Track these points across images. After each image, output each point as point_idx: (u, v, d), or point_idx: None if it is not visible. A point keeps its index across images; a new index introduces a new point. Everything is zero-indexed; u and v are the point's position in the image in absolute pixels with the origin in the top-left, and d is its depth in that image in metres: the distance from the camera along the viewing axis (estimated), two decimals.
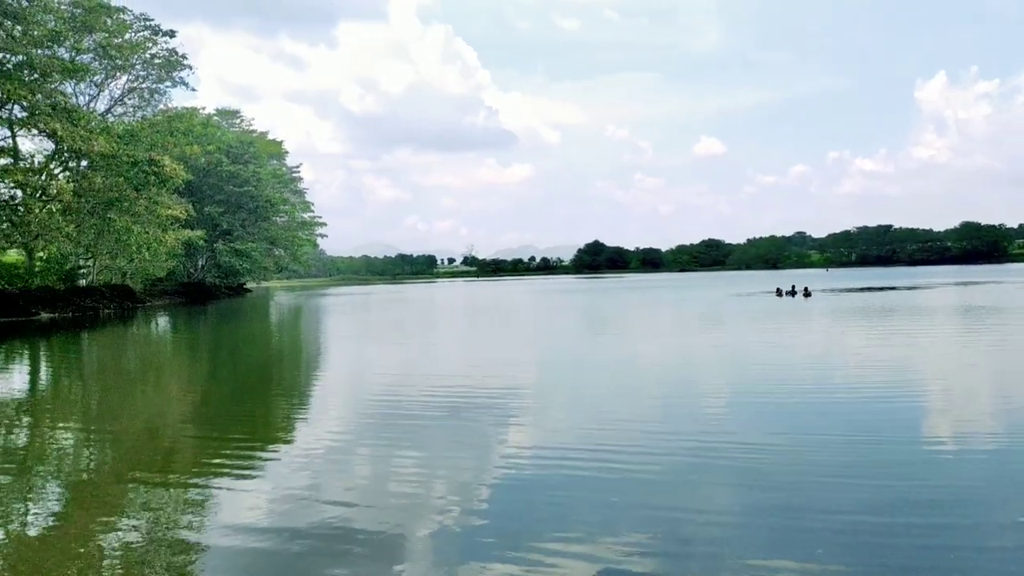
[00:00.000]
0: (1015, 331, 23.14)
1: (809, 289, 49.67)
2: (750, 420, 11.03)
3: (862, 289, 57.79)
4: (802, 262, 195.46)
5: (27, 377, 19.77)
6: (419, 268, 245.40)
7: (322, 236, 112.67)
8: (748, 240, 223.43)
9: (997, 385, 13.78)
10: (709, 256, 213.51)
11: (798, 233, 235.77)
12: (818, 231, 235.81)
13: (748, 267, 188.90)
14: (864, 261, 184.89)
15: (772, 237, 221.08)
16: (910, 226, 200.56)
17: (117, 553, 6.30)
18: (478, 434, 10.59)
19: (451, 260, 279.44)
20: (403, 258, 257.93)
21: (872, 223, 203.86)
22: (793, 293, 48.71)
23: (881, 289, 57.00)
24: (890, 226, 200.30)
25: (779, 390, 13.54)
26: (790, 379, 14.87)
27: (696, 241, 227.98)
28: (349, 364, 21.11)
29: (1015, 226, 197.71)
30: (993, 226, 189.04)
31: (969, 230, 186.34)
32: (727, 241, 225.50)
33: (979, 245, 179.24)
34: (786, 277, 79.13)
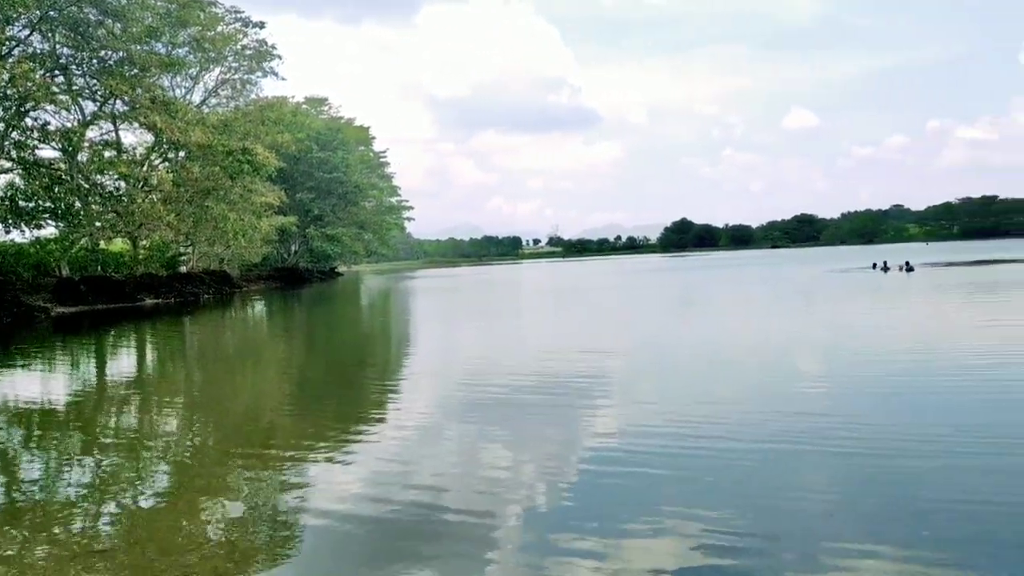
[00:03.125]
0: None
1: (911, 263, 47.46)
2: (849, 403, 10.66)
3: (967, 263, 55.15)
4: (900, 236, 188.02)
5: (135, 360, 20.72)
6: (504, 250, 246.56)
7: (409, 220, 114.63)
8: (843, 214, 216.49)
9: None
10: (802, 232, 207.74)
11: (895, 206, 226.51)
12: (917, 204, 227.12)
13: (843, 242, 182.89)
14: (967, 234, 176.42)
15: (868, 211, 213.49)
16: (1017, 196, 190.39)
17: (220, 527, 6.54)
18: (566, 415, 10.56)
19: (536, 241, 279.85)
20: (489, 240, 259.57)
21: (976, 194, 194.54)
22: (887, 268, 46.67)
23: (987, 263, 54.25)
24: (995, 197, 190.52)
25: (880, 372, 13.03)
26: (892, 360, 14.31)
27: (788, 217, 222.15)
28: (438, 346, 21.37)
29: None
30: None
31: None
32: (820, 216, 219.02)
33: None
34: (883, 252, 76.13)
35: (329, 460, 8.55)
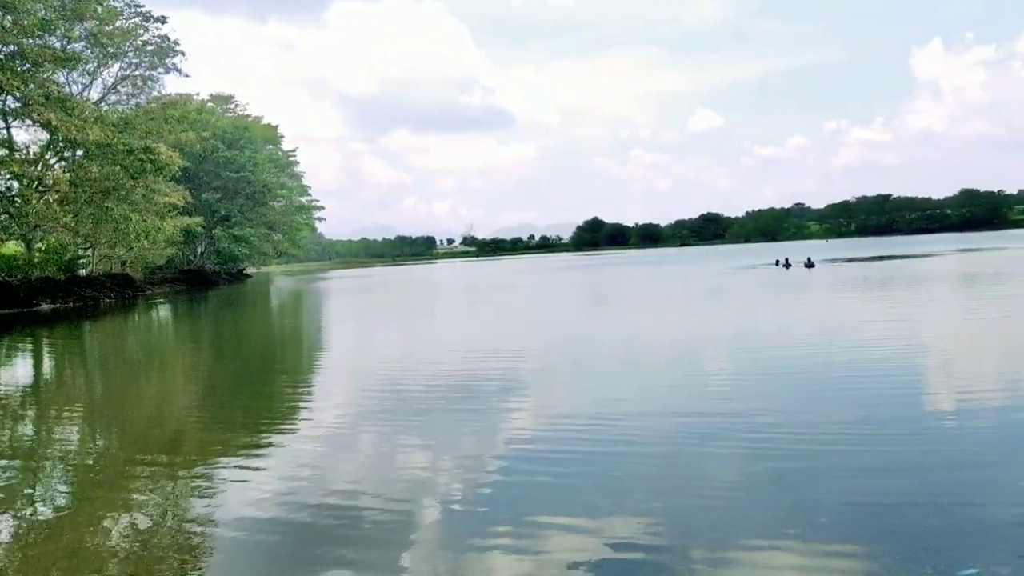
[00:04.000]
0: (1019, 299, 23.14)
1: (812, 260, 49.39)
2: (755, 395, 11.04)
3: (863, 259, 57.71)
4: (801, 234, 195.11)
5: (31, 367, 19.81)
6: (418, 249, 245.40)
7: (320, 220, 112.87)
8: (747, 213, 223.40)
9: (1003, 355, 13.79)
10: (708, 230, 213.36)
11: (797, 205, 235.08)
12: (817, 202, 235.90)
13: (747, 240, 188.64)
14: (864, 231, 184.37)
15: (771, 209, 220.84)
16: (909, 195, 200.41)
17: (126, 537, 6.32)
18: (482, 414, 10.60)
19: (450, 241, 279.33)
20: (402, 240, 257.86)
21: (871, 193, 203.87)
22: (788, 265, 48.47)
23: (882, 258, 56.92)
24: (889, 195, 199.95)
25: (783, 364, 13.53)
26: (794, 353, 14.87)
27: (695, 215, 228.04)
28: (351, 347, 21.13)
29: (1014, 192, 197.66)
30: (992, 192, 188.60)
31: (968, 197, 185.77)
32: (726, 215, 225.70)
33: (979, 212, 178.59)
34: (785, 249, 79.00)
35: (240, 467, 8.34)
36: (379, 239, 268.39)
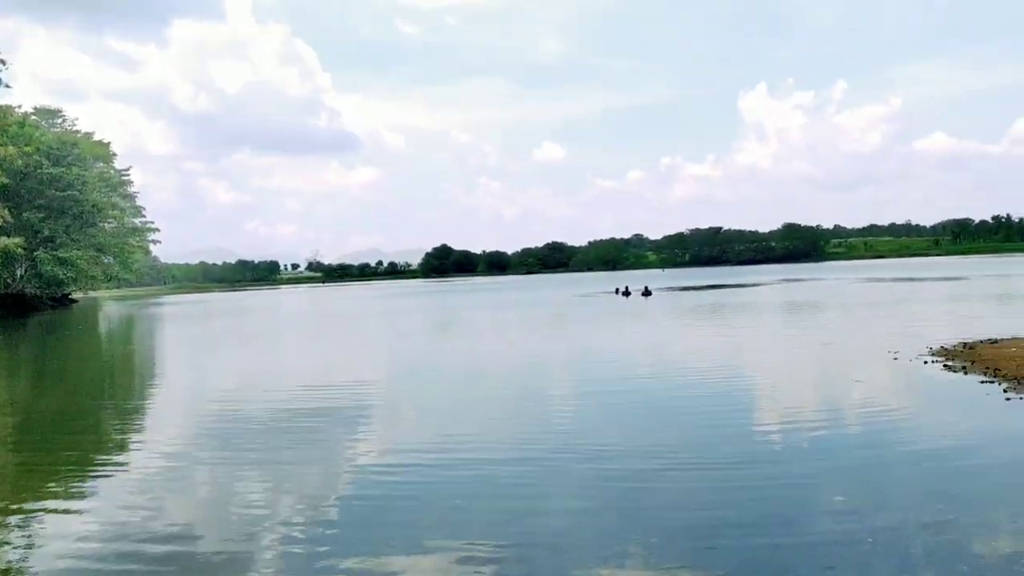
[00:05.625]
0: (834, 326, 25.14)
1: (649, 288, 51.78)
2: (594, 420, 11.46)
3: (697, 288, 60.90)
4: (640, 263, 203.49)
5: None
6: (261, 275, 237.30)
7: (155, 242, 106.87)
8: (589, 242, 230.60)
9: (821, 379, 14.96)
10: (553, 258, 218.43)
11: (636, 235, 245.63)
12: (654, 233, 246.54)
13: (590, 268, 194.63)
14: (697, 261, 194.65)
15: (612, 239, 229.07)
16: (738, 228, 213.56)
17: None
18: (325, 445, 10.44)
19: (295, 266, 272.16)
20: (244, 264, 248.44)
21: (703, 225, 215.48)
22: (628, 293, 50.60)
23: (714, 287, 60.30)
24: (720, 228, 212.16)
25: (623, 390, 14.09)
26: (632, 378, 15.51)
27: (540, 244, 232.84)
28: (186, 378, 20.21)
29: (831, 227, 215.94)
30: (811, 227, 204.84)
31: (791, 231, 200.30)
32: (570, 243, 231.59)
33: (800, 245, 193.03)
34: (625, 278, 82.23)
35: (59, 512, 7.78)
36: (219, 263, 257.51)
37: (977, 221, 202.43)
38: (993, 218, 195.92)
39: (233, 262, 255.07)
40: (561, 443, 9.80)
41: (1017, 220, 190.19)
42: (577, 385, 15.21)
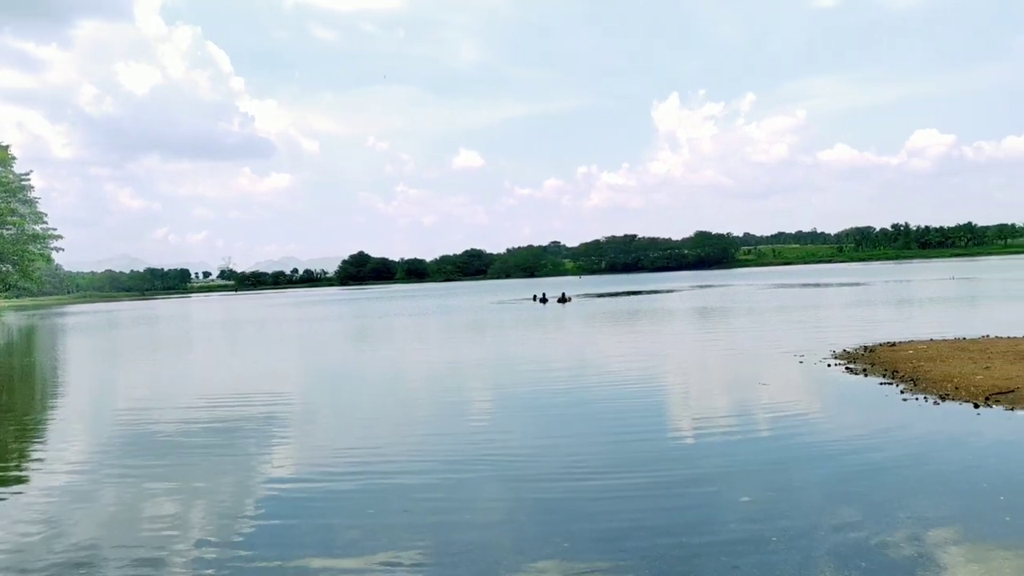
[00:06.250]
0: (743, 331, 25.82)
1: (567, 295, 52.33)
2: (509, 427, 11.49)
3: (612, 294, 61.81)
4: (558, 270, 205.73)
5: None
6: (171, 283, 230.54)
7: (58, 250, 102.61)
8: (508, 250, 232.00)
9: (730, 383, 15.33)
10: (472, 265, 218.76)
11: (553, 243, 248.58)
12: (571, 241, 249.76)
13: (508, 275, 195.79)
14: (613, 268, 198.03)
15: (530, 247, 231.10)
16: (652, 235, 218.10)
17: None
18: (236, 458, 10.17)
19: (207, 274, 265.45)
20: (153, 273, 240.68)
21: (619, 233, 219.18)
22: (545, 299, 51.06)
23: (629, 294, 61.31)
24: (635, 236, 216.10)
25: (537, 396, 14.20)
26: (547, 385, 15.61)
27: (459, 251, 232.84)
28: (91, 391, 19.39)
29: (741, 234, 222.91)
30: (722, 235, 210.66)
31: (702, 239, 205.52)
32: (488, 251, 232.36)
33: (711, 252, 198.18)
34: (543, 284, 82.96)
35: None
36: (127, 272, 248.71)
37: (878, 229, 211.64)
38: (892, 226, 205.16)
39: (141, 270, 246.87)
40: (476, 450, 9.82)
41: (915, 228, 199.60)
42: (492, 392, 15.24)
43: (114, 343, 37.07)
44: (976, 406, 10.90)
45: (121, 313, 75.75)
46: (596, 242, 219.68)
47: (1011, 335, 18.50)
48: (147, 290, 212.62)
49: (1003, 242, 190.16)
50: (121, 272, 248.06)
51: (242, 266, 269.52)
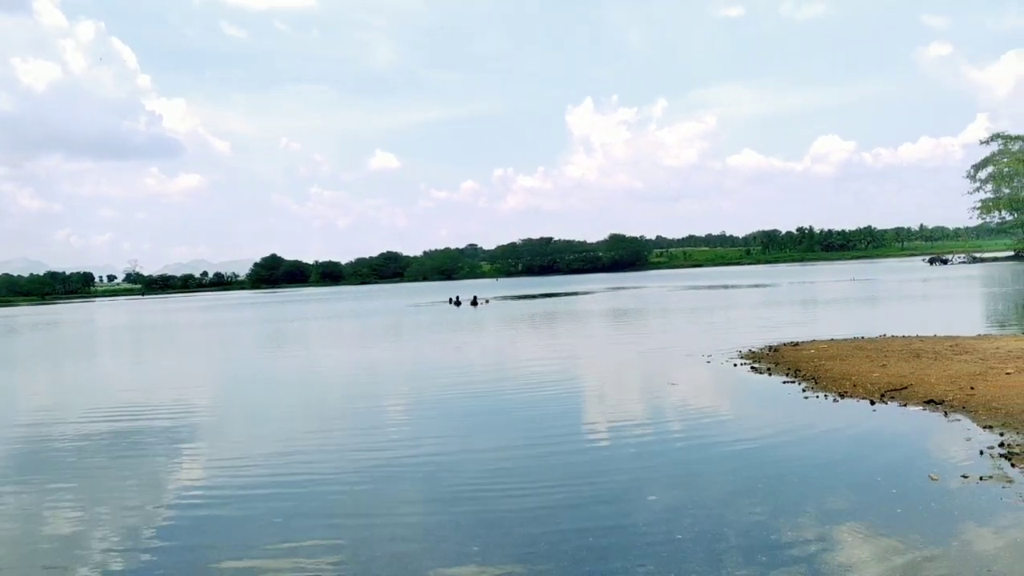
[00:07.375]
0: (654, 332, 26.34)
1: (484, 298, 52.55)
2: (425, 430, 11.45)
3: (529, 296, 62.21)
4: (475, 272, 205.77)
5: None
6: (73, 287, 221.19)
7: None
8: (425, 252, 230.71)
9: (644, 385, 15.62)
10: (388, 268, 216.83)
11: (470, 245, 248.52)
12: (488, 243, 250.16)
13: (425, 278, 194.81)
14: (529, 271, 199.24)
15: (447, 249, 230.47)
16: (567, 238, 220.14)
17: None
18: (147, 464, 9.89)
19: (112, 277, 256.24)
20: (53, 276, 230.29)
21: (535, 236, 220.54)
22: (459, 302, 51.20)
23: (546, 296, 61.82)
24: (551, 238, 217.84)
25: (452, 399, 14.19)
26: (462, 387, 15.61)
27: (375, 254, 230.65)
28: None
29: (653, 237, 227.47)
30: (635, 238, 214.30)
31: (616, 242, 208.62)
32: (405, 253, 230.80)
33: (625, 255, 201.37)
34: (460, 287, 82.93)
35: None
36: (24, 275, 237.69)
37: (784, 232, 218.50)
38: (797, 229, 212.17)
39: (41, 273, 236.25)
40: (392, 453, 9.77)
41: (818, 231, 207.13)
42: (408, 395, 15.16)
43: (10, 349, 35.40)
44: (872, 403, 11.38)
45: (18, 318, 72.41)
46: (513, 244, 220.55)
47: (905, 334, 19.37)
48: (47, 294, 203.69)
49: (900, 244, 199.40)
50: (19, 275, 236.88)
51: (149, 269, 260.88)
